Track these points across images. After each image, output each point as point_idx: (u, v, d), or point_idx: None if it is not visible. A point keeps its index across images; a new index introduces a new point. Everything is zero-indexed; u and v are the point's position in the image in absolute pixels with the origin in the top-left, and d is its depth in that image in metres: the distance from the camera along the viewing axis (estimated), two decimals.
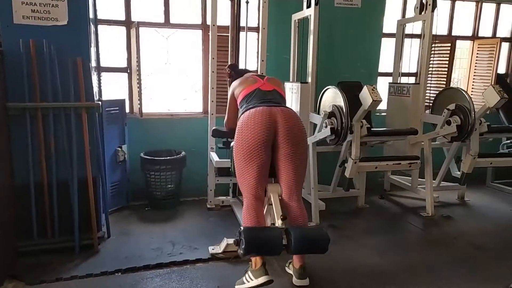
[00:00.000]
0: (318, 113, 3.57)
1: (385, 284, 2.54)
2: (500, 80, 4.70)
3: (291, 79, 4.01)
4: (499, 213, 3.89)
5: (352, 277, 2.63)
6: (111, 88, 3.93)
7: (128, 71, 3.92)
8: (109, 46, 3.84)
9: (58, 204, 2.82)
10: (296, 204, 2.44)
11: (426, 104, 4.14)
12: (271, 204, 2.43)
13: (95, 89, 3.13)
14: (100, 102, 2.84)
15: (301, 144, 2.42)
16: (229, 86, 2.96)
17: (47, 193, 2.79)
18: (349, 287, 2.52)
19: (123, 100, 3.71)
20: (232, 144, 2.64)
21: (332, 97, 3.38)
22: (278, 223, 2.29)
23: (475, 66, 4.87)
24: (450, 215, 3.77)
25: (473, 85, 4.89)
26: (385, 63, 4.66)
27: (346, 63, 4.41)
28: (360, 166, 3.37)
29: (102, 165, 2.99)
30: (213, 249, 2.89)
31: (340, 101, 3.19)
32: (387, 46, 4.59)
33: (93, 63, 3.07)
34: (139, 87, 3.69)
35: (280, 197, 2.45)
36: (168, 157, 3.77)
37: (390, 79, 4.56)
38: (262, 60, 3.70)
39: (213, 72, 3.61)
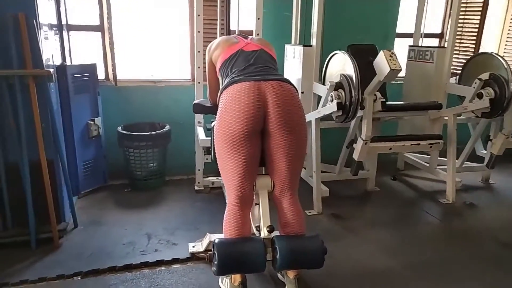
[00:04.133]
0: (324, 83, 2.99)
1: None
2: None
3: (293, 41, 3.40)
4: None
5: (354, 282, 2.20)
6: (85, 50, 3.37)
7: (101, 30, 3.34)
8: None
9: (9, 191, 2.39)
10: (288, 204, 1.95)
11: (452, 72, 3.51)
12: (259, 204, 1.96)
13: (53, 52, 2.60)
14: (51, 70, 2.30)
15: (297, 130, 1.87)
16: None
17: None
18: None
19: (94, 65, 3.14)
20: (213, 124, 2.12)
21: (340, 64, 2.78)
22: (264, 231, 1.83)
23: (510, 26, 4.17)
24: (473, 203, 3.26)
25: (505, 49, 4.22)
26: (403, 22, 4.00)
27: (358, 23, 3.77)
28: (371, 147, 2.84)
29: (61, 145, 2.50)
30: (193, 246, 2.44)
31: (350, 69, 2.60)
32: (405, 2, 3.92)
33: (49, 21, 2.52)
34: (111, 49, 3.13)
35: (270, 191, 1.98)
36: (149, 133, 3.27)
37: (410, 41, 3.92)
38: (258, 18, 3.08)
39: (199, 32, 3.03)
